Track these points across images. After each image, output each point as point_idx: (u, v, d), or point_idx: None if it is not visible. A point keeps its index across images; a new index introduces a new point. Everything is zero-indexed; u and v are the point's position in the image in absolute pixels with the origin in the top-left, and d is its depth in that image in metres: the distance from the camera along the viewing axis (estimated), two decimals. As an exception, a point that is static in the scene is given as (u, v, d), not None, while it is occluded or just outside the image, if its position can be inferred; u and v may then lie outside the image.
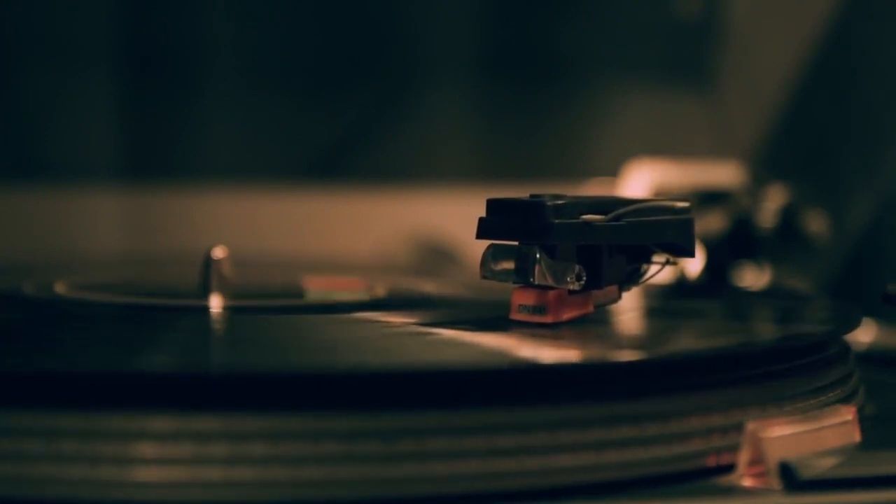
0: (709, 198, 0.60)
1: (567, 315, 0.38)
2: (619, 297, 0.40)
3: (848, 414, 0.36)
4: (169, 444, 0.30)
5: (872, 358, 0.50)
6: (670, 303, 0.50)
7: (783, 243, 0.59)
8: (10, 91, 0.73)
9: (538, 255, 0.38)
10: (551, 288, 0.38)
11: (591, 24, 0.78)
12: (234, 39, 0.75)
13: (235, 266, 0.46)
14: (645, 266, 0.41)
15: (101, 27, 0.73)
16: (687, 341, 0.41)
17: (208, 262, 0.45)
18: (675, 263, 0.41)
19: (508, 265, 0.38)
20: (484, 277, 0.39)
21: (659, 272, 0.41)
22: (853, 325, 0.42)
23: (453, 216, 0.69)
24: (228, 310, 0.44)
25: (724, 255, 0.59)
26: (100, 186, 0.73)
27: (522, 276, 0.38)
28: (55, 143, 0.74)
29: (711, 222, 0.59)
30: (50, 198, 0.73)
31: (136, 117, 0.74)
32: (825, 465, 0.33)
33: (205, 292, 0.45)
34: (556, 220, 0.37)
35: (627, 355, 0.37)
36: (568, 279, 0.38)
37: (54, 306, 0.46)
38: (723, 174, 0.63)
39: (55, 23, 0.73)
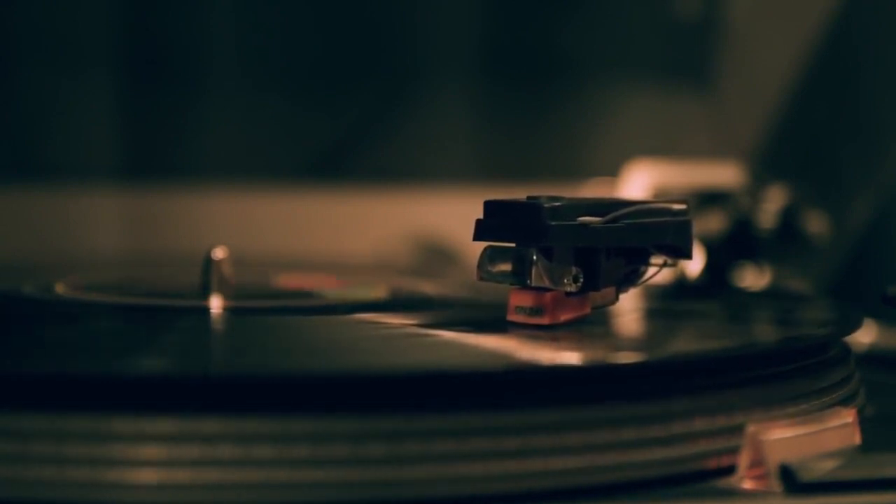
0: (709, 198, 0.60)
1: (564, 317, 0.38)
2: (617, 298, 0.40)
3: (848, 416, 0.36)
4: (167, 446, 0.30)
5: (873, 359, 0.50)
6: (670, 304, 0.50)
7: (783, 244, 0.59)
8: (10, 91, 0.73)
9: (535, 257, 0.37)
10: (548, 290, 0.38)
11: (592, 24, 0.78)
12: (234, 39, 0.75)
13: (235, 266, 0.46)
14: (643, 268, 0.41)
15: (101, 27, 0.73)
16: (687, 343, 0.41)
17: (208, 263, 0.45)
18: (673, 265, 0.41)
19: (505, 267, 0.38)
20: (481, 279, 0.39)
21: (656, 274, 0.41)
22: (854, 327, 0.42)
23: (453, 216, 0.69)
24: (228, 310, 0.44)
25: (723, 256, 0.59)
26: (100, 186, 0.73)
27: (519, 277, 0.38)
28: (55, 143, 0.74)
29: (711, 223, 0.59)
30: (50, 198, 0.72)
31: (136, 117, 0.74)
32: (825, 468, 0.33)
33: (205, 293, 0.45)
34: (553, 222, 0.37)
35: (627, 357, 0.37)
36: (565, 281, 0.38)
37: (54, 306, 0.46)
38: (723, 174, 0.63)
39: (55, 23, 0.73)
